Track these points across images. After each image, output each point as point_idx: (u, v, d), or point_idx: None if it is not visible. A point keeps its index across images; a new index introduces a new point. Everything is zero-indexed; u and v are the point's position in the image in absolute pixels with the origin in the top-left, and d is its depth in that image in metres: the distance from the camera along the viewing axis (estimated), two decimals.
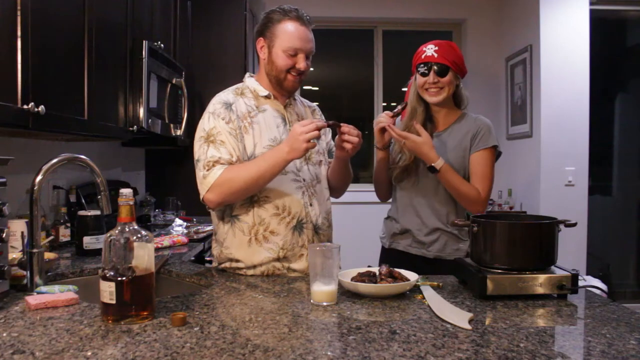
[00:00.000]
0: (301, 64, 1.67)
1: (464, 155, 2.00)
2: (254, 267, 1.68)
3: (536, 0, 3.89)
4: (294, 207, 1.68)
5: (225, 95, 1.73)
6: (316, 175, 1.77)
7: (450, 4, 4.61)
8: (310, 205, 1.72)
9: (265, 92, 1.73)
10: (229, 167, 1.60)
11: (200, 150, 1.64)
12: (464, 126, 2.03)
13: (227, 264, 1.72)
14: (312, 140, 1.53)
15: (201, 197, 1.63)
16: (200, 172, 1.63)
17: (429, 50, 1.95)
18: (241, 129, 1.66)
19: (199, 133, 1.67)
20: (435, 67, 1.93)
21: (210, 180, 1.59)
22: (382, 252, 2.16)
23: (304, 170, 1.73)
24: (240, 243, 1.68)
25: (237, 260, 1.69)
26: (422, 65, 1.95)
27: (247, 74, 1.82)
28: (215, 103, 1.70)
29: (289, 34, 1.65)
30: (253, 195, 1.65)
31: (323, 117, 1.92)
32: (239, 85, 1.79)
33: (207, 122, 1.66)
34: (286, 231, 1.67)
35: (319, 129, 1.55)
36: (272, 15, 1.69)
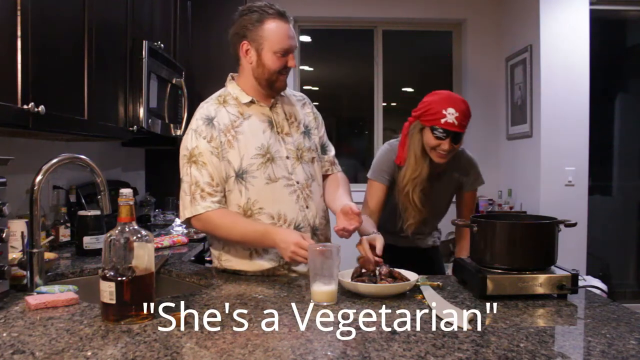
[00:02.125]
0: (292, 62, 1.64)
1: (455, 189, 2.19)
2: (256, 272, 1.68)
3: (536, 0, 3.89)
4: (289, 214, 1.66)
5: (207, 108, 1.67)
6: (310, 174, 1.73)
7: (450, 4, 4.61)
8: (307, 207, 1.69)
9: (247, 99, 1.67)
10: (221, 212, 1.59)
11: (185, 170, 1.64)
12: (458, 167, 2.13)
13: (230, 272, 1.72)
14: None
15: (183, 217, 1.63)
16: (186, 196, 1.62)
17: (450, 116, 1.89)
18: (224, 145, 1.61)
19: (183, 150, 1.65)
20: (454, 136, 1.92)
21: (198, 209, 1.59)
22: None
23: (297, 171, 1.70)
24: (242, 257, 1.68)
25: (241, 271, 1.69)
26: (440, 130, 1.91)
27: (229, 77, 1.75)
28: (198, 119, 1.65)
29: (278, 35, 1.60)
30: (247, 210, 1.63)
31: (314, 109, 1.86)
32: (222, 91, 1.73)
33: (190, 141, 1.63)
34: None
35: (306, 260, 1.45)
36: (251, 15, 1.62)
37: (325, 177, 1.84)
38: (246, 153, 1.62)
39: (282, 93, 1.76)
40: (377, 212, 2.04)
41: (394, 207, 2.07)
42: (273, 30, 1.60)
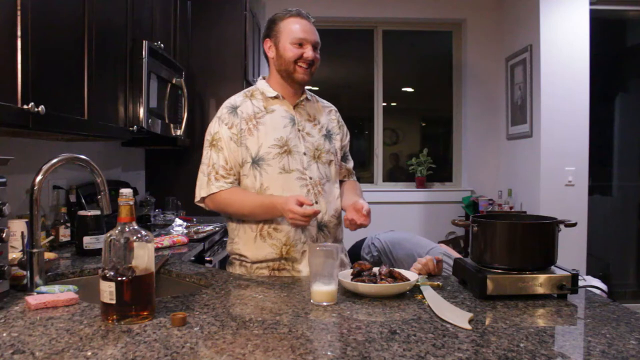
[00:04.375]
0: (308, 53, 1.75)
1: None
2: (260, 262, 1.75)
3: (536, 0, 3.89)
4: None
5: (234, 98, 1.82)
6: (325, 174, 1.82)
7: (450, 4, 4.61)
8: (316, 203, 1.75)
9: (273, 93, 1.80)
10: (232, 190, 1.73)
11: (205, 153, 1.77)
12: None
13: (238, 257, 1.81)
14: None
15: (198, 197, 1.76)
16: (204, 177, 1.75)
17: None
18: (244, 132, 1.74)
19: (207, 136, 1.79)
20: None
21: (212, 189, 1.72)
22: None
23: (311, 168, 1.78)
24: (247, 239, 1.77)
25: (244, 256, 1.78)
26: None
27: (260, 77, 1.90)
28: (223, 107, 1.80)
29: (293, 27, 1.76)
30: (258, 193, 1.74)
31: (341, 119, 1.98)
32: (251, 87, 1.87)
33: (213, 127, 1.78)
34: (289, 227, 1.72)
35: (307, 221, 1.61)
36: (275, 17, 1.81)
37: (341, 182, 1.94)
38: (264, 142, 1.74)
39: (309, 98, 1.89)
40: None
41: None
42: (289, 25, 1.77)
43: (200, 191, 1.75)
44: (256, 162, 1.73)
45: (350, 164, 2.01)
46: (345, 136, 1.97)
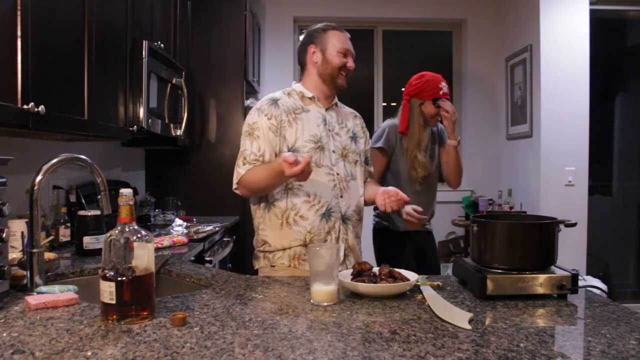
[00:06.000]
0: (351, 63, 1.95)
1: (438, 147, 2.71)
2: (283, 250, 1.87)
3: (536, 0, 3.89)
4: (324, 196, 1.86)
5: (273, 94, 1.97)
6: (351, 172, 1.96)
7: (450, 4, 4.61)
8: (341, 197, 1.90)
9: (310, 94, 1.95)
10: (252, 168, 1.82)
11: (242, 143, 1.89)
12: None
13: (262, 248, 1.92)
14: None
15: (233, 185, 1.88)
16: (236, 165, 1.88)
17: (445, 87, 2.46)
18: (284, 123, 1.86)
19: (244, 127, 1.91)
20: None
21: (240, 172, 1.84)
22: (378, 233, 2.61)
23: (339, 165, 1.92)
24: (274, 226, 1.88)
25: (269, 244, 1.89)
26: (442, 100, 2.43)
27: (294, 82, 2.05)
28: (263, 100, 1.93)
29: (340, 39, 1.94)
30: (287, 183, 1.83)
31: (363, 124, 2.14)
32: (287, 88, 2.01)
33: (252, 117, 1.90)
34: (315, 217, 1.84)
35: (301, 169, 1.60)
36: (316, 27, 1.98)
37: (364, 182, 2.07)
38: (301, 135, 1.87)
39: (338, 104, 2.05)
40: (379, 175, 2.45)
41: (397, 184, 2.40)
42: (335, 36, 1.95)
43: (234, 179, 1.86)
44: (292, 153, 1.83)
45: (371, 167, 2.15)
46: (367, 141, 2.13)
